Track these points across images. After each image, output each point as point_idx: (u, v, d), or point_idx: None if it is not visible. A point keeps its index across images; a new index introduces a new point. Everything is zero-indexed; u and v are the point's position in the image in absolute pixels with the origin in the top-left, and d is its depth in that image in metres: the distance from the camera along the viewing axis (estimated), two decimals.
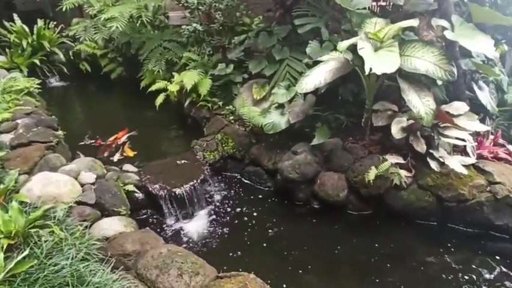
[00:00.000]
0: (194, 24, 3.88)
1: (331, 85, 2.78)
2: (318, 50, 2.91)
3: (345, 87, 2.97)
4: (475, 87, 2.74)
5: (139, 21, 4.63)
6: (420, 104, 2.33)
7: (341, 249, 2.36)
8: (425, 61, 2.33)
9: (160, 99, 3.73)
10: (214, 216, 2.70)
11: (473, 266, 2.22)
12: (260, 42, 3.33)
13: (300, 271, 2.18)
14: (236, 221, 2.65)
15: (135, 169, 2.82)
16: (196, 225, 2.63)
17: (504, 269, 2.19)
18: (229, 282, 1.68)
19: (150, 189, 2.62)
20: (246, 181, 3.12)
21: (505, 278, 2.13)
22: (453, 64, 2.37)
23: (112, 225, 2.16)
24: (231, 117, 3.33)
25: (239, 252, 2.34)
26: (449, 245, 2.37)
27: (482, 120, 2.79)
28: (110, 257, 1.77)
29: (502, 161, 2.61)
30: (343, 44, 2.30)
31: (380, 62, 2.14)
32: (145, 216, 2.67)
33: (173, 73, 3.95)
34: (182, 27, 4.04)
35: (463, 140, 2.38)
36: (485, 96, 2.74)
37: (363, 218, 2.63)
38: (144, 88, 4.16)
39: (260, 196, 2.93)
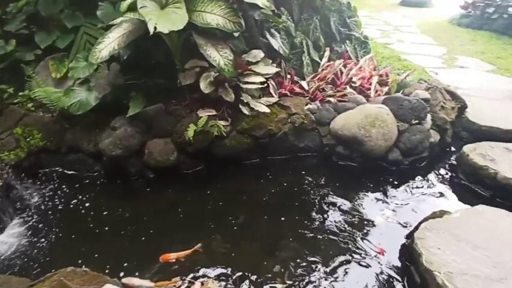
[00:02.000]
0: None
1: (143, 48, 2.63)
2: (110, 12, 2.67)
3: (157, 49, 2.87)
4: (268, 35, 3.11)
5: None
6: (219, 56, 2.48)
7: (183, 208, 2.43)
8: (215, 15, 2.45)
9: None
10: (35, 221, 2.32)
11: (294, 182, 2.66)
12: (41, 7, 2.80)
13: (143, 238, 2.15)
14: (65, 217, 2.36)
15: None
16: (10, 238, 2.21)
17: (311, 179, 2.73)
18: (42, 286, 1.50)
19: None
20: (70, 172, 2.77)
21: (314, 184, 2.66)
22: (240, 16, 2.59)
23: None
24: (30, 105, 2.80)
25: (75, 247, 2.11)
26: (268, 174, 2.77)
27: (280, 64, 3.24)
28: None
29: (298, 95, 3.14)
30: (124, 4, 2.16)
31: (166, 19, 2.12)
32: None
33: None
34: None
35: (261, 83, 2.71)
36: (277, 42, 3.15)
37: (198, 173, 2.76)
38: None
39: (89, 183, 2.68)
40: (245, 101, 2.66)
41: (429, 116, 2.93)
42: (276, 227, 2.24)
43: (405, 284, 1.88)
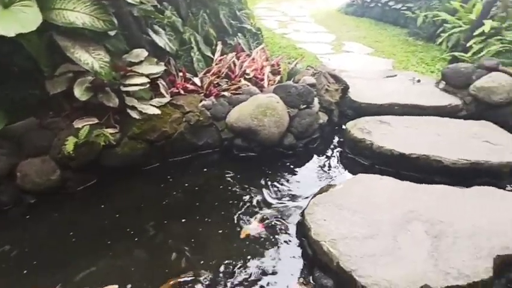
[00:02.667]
0: None
1: None
2: None
3: (19, 54, 2.50)
4: (151, 32, 2.98)
5: None
6: (92, 59, 2.28)
7: (73, 231, 2.18)
8: (79, 13, 2.23)
9: None
10: None
11: (196, 181, 2.62)
12: None
13: (25, 272, 1.89)
14: None
15: None
16: None
17: (213, 175, 2.74)
18: None
19: None
20: None
21: (216, 180, 2.67)
22: (112, 13, 2.41)
23: None
24: None
25: None
26: (169, 177, 2.68)
27: (169, 62, 3.14)
28: None
29: (193, 92, 3.10)
30: None
31: (11, 20, 1.85)
32: None
33: None
34: None
35: (146, 84, 2.58)
36: (162, 39, 3.04)
37: (90, 189, 2.53)
38: None
39: None
40: (130, 105, 2.51)
41: (316, 100, 3.17)
42: (176, 230, 2.18)
43: (302, 258, 2.03)
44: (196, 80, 3.11)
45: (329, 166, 2.90)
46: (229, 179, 2.67)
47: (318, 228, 1.99)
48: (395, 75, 4.18)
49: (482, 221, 2.04)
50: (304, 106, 3.00)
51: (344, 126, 3.43)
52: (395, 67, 4.84)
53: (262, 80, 3.42)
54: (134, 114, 2.57)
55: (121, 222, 2.25)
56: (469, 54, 4.57)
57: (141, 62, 2.67)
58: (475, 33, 4.60)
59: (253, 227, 2.14)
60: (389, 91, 3.72)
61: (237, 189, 2.55)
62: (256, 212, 2.32)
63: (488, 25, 4.48)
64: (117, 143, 2.52)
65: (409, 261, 1.80)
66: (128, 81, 2.49)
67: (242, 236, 2.10)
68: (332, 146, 3.17)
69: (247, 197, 2.47)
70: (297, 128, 2.94)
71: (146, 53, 2.73)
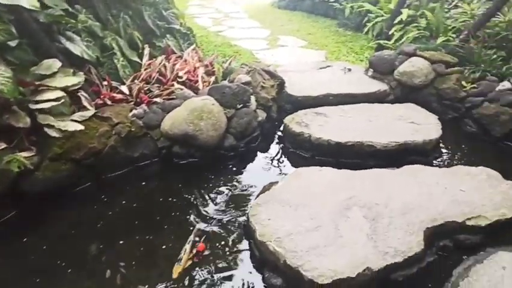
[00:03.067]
0: None
1: None
2: None
3: None
4: (63, 40, 2.69)
5: None
6: None
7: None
8: None
9: None
10: None
11: (134, 197, 2.44)
12: None
13: None
14: None
15: None
16: None
17: (152, 188, 2.59)
18: None
19: None
20: None
21: (156, 193, 2.52)
22: (8, 21, 2.12)
23: None
24: None
25: None
26: (103, 196, 2.46)
27: (89, 71, 2.88)
28: None
29: (122, 102, 2.88)
30: None
31: None
32: None
33: None
34: None
35: (59, 98, 2.33)
36: (78, 47, 2.77)
37: (8, 223, 2.23)
38: None
39: None
40: (46, 123, 2.24)
41: (253, 98, 3.15)
42: (112, 256, 2.01)
43: (250, 260, 1.99)
44: (124, 88, 2.90)
45: (272, 163, 2.91)
46: (169, 190, 2.54)
47: (263, 229, 1.97)
48: (328, 66, 4.33)
49: (413, 198, 2.19)
50: (241, 105, 2.95)
51: (281, 121, 3.47)
52: (327, 58, 5.02)
53: (197, 82, 3.31)
54: (52, 133, 2.30)
55: (49, 255, 2.02)
56: (392, 41, 4.91)
57: (54, 73, 2.40)
58: (395, 22, 4.95)
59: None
60: (323, 82, 3.84)
61: (179, 201, 2.43)
62: (194, 221, 2.23)
63: (405, 13, 4.84)
64: (36, 166, 2.25)
65: (351, 247, 1.86)
66: (39, 97, 2.22)
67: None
68: (273, 142, 3.18)
69: (189, 209, 2.36)
70: (236, 128, 2.89)
71: (59, 64, 2.46)
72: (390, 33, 4.99)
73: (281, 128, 3.30)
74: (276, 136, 3.25)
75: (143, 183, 2.62)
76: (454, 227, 2.05)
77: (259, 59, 4.93)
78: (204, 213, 2.30)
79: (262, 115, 3.17)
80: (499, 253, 1.86)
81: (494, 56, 3.61)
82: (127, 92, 2.88)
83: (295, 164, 2.86)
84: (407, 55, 3.81)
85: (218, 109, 2.82)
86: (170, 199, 2.44)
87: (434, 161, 2.88)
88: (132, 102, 2.86)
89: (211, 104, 2.79)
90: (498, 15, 3.96)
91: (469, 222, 2.05)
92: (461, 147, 3.18)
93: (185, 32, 4.05)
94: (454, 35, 4.36)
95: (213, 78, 3.40)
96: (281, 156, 2.99)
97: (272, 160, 2.94)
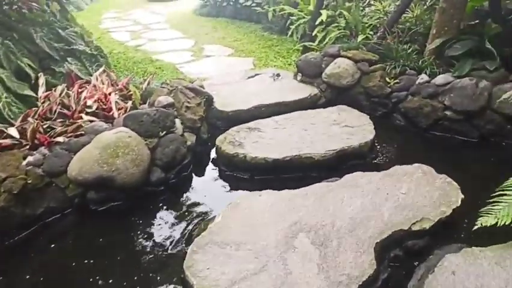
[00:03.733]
0: None
1: None
2: None
3: None
4: None
5: None
6: None
7: None
8: None
9: None
10: None
11: (41, 267, 1.96)
12: None
13: None
14: None
15: None
16: None
17: (64, 251, 2.12)
18: None
19: None
20: None
21: (68, 257, 2.06)
22: None
23: None
24: None
25: None
26: None
27: None
28: None
29: (11, 149, 2.33)
30: None
31: None
32: None
33: None
34: None
35: None
36: None
37: None
38: None
39: None
40: None
41: (178, 121, 2.82)
42: None
43: None
44: (12, 131, 2.35)
45: (208, 191, 2.62)
46: (86, 249, 2.10)
47: (202, 282, 1.67)
48: (257, 75, 4.17)
49: (358, 211, 2.08)
50: (164, 132, 2.61)
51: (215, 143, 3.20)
52: (256, 65, 4.88)
53: (111, 110, 2.87)
54: None
55: None
56: (316, 42, 4.94)
57: None
58: (316, 23, 4.99)
59: None
60: (253, 92, 3.65)
61: (99, 262, 2.00)
62: (119, 280, 1.85)
63: (324, 14, 4.90)
64: None
65: (302, 284, 1.66)
66: None
67: None
68: (208, 166, 2.89)
69: (113, 270, 1.96)
70: (161, 159, 2.54)
71: None
72: (313, 34, 5.02)
73: (215, 149, 3.03)
74: (211, 159, 2.96)
75: (53, 245, 2.14)
76: (401, 235, 1.98)
77: (184, 73, 4.59)
78: (132, 273, 1.92)
79: (191, 138, 2.86)
80: (447, 257, 1.82)
81: (410, 50, 3.78)
82: (17, 136, 2.34)
83: (234, 188, 2.62)
84: (331, 56, 3.80)
85: (137, 141, 2.43)
86: (87, 261, 2.00)
87: (372, 162, 2.85)
88: (27, 147, 2.34)
89: (127, 137, 2.40)
90: (407, 11, 4.18)
91: (414, 227, 2.00)
92: (394, 143, 3.24)
93: (93, 52, 3.54)
94: (372, 32, 4.52)
95: (129, 104, 2.99)
96: (218, 182, 2.71)
97: (208, 188, 2.65)
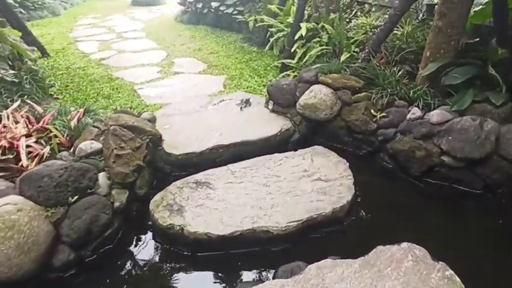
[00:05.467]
0: None
1: None
2: None
3: None
4: None
5: None
6: None
7: None
8: None
9: None
10: None
11: None
12: None
13: None
14: None
15: None
16: None
17: None
18: None
19: None
20: None
21: None
22: None
23: None
24: None
25: None
26: None
27: None
28: None
29: None
30: None
31: None
32: None
33: None
34: None
35: None
36: None
37: None
38: None
39: None
40: None
41: (103, 176, 2.21)
42: None
43: None
44: None
45: (136, 272, 2.01)
46: None
47: None
48: (223, 101, 3.56)
49: None
50: (76, 197, 2.00)
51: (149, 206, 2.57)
52: (226, 86, 4.26)
53: (20, 158, 2.25)
54: None
55: None
56: (295, 60, 4.35)
57: None
58: (295, 38, 4.39)
59: None
60: (213, 126, 3.04)
61: None
62: None
63: (304, 28, 4.30)
64: None
65: None
66: None
67: None
68: (142, 236, 2.26)
69: None
70: (69, 235, 1.92)
71: None
72: (292, 50, 4.43)
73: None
74: (147, 230, 2.31)
75: None
76: None
77: (142, 97, 3.96)
78: None
79: (120, 198, 2.23)
80: None
81: (399, 75, 3.19)
82: None
83: (170, 268, 2.01)
84: (307, 83, 3.20)
85: (30, 216, 1.81)
86: None
87: (348, 228, 2.24)
88: None
89: (15, 212, 1.77)
90: (397, 27, 3.60)
91: None
92: (379, 195, 2.63)
93: (15, 80, 2.91)
94: (358, 49, 3.93)
95: (46, 149, 2.36)
96: (151, 259, 2.09)
97: (137, 267, 2.04)
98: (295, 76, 4.20)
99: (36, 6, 9.11)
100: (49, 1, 9.55)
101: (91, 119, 2.84)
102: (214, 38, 6.71)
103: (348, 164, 2.54)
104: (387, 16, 3.48)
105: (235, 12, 6.92)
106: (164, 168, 2.75)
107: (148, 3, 11.84)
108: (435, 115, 2.64)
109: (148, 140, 2.66)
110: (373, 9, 4.67)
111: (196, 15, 7.95)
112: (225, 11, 7.19)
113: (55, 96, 4.03)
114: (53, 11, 9.57)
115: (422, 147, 2.61)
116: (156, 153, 2.74)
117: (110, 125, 2.54)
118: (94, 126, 2.58)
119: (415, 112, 2.79)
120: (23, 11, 8.56)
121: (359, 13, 4.66)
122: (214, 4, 7.34)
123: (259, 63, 5.02)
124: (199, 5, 7.79)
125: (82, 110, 2.84)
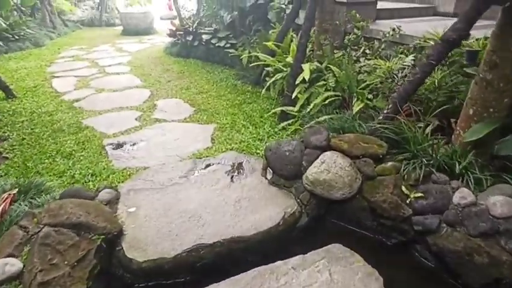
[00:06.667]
0: None
1: None
2: None
3: None
4: None
5: None
6: None
7: None
8: None
9: None
10: None
11: None
12: None
13: None
14: None
15: None
16: None
17: None
18: None
19: None
20: None
21: None
22: None
23: None
24: None
25: None
26: None
27: None
28: None
29: None
30: None
31: None
32: None
33: None
34: None
35: None
36: None
37: None
38: None
39: None
40: None
41: None
42: None
43: None
44: None
45: None
46: None
47: None
48: (208, 166, 2.84)
49: None
50: None
51: None
52: (215, 140, 3.55)
53: None
54: None
55: None
56: (297, 107, 3.68)
57: None
58: (297, 81, 3.74)
59: None
60: (195, 211, 2.28)
61: None
62: None
63: (307, 71, 3.66)
64: None
65: None
66: None
67: None
68: None
69: None
70: None
71: None
72: (293, 96, 3.77)
73: None
74: None
75: None
76: None
77: (110, 157, 3.23)
78: None
79: None
80: None
81: (430, 132, 2.51)
82: None
83: None
84: (316, 149, 2.49)
85: None
86: None
87: None
88: None
89: None
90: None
91: None
92: None
93: None
94: (371, 96, 3.29)
95: None
96: None
97: None
98: (297, 130, 3.53)
99: (17, 37, 8.53)
100: (32, 32, 9.01)
101: (26, 205, 2.09)
102: (205, 74, 6.10)
103: (381, 279, 1.78)
104: (411, 62, 2.85)
105: (228, 45, 6.38)
106: (124, 276, 1.98)
107: (139, 33, 11.38)
108: (498, 205, 1.92)
109: (100, 240, 1.90)
110: (383, 46, 4.08)
111: (186, 47, 7.40)
112: (216, 44, 6.64)
113: (4, 154, 3.30)
114: (37, 41, 8.98)
115: (483, 251, 1.88)
116: (113, 256, 1.98)
117: (44, 225, 1.78)
118: (20, 227, 1.82)
119: (465, 195, 2.07)
120: (1, 43, 7.99)
121: (367, 51, 4.06)
122: (205, 37, 6.81)
123: (255, 108, 4.35)
124: (189, 38, 7.26)
125: (12, 193, 2.08)
